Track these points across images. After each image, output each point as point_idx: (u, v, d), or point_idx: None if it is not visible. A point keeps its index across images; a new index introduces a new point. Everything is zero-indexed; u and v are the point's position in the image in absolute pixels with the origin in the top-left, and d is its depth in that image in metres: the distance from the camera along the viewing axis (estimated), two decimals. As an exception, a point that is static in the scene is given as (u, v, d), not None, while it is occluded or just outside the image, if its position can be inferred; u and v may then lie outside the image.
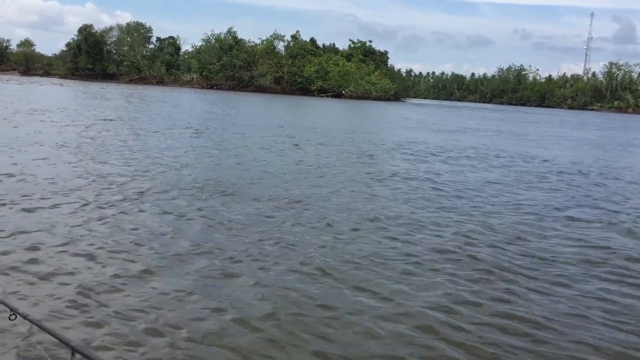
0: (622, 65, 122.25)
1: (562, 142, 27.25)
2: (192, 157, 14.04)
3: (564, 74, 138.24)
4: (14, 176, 9.89)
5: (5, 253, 5.90)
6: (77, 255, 6.04)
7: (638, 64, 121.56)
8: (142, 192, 9.35)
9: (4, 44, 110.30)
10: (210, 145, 16.78)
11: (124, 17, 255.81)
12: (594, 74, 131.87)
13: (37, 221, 7.20)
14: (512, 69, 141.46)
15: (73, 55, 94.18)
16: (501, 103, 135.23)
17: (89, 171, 11.00)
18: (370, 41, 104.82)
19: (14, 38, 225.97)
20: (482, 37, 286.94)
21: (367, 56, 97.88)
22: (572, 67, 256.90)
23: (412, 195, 10.52)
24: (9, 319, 2.50)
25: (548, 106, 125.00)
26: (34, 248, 6.16)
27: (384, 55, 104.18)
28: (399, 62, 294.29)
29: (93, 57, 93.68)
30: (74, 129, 18.48)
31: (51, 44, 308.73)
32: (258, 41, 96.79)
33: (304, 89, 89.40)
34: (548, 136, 31.23)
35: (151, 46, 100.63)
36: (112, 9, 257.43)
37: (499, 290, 5.71)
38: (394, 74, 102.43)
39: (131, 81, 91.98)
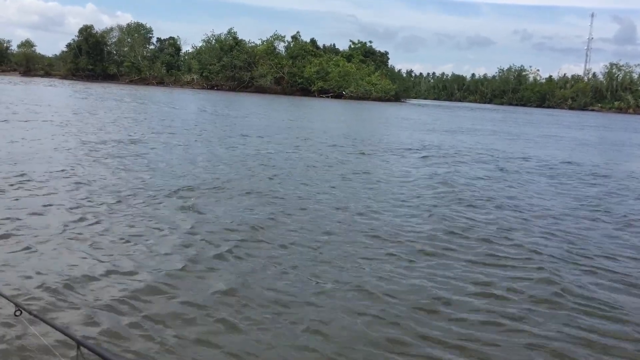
0: (623, 65, 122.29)
1: (555, 142, 27.37)
2: (192, 161, 14.08)
3: (565, 74, 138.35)
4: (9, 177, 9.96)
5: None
6: (72, 251, 6.11)
7: (638, 65, 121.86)
8: (134, 194, 9.41)
9: (5, 44, 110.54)
10: (215, 149, 16.83)
11: (125, 18, 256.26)
12: (594, 75, 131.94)
13: (32, 219, 7.29)
14: (513, 70, 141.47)
15: (73, 56, 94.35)
16: (501, 103, 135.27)
17: (86, 173, 11.05)
18: (370, 42, 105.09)
19: (15, 39, 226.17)
20: (483, 37, 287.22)
21: (367, 57, 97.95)
22: (573, 68, 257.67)
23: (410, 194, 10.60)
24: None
25: (548, 107, 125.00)
26: (28, 245, 6.23)
27: (384, 56, 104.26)
28: (399, 63, 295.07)
29: (93, 58, 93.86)
30: (69, 131, 18.52)
31: (52, 45, 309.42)
32: (258, 42, 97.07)
33: (304, 90, 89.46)
34: (542, 136, 31.34)
35: (152, 47, 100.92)
36: (113, 10, 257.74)
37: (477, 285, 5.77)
38: (394, 75, 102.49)
39: (131, 82, 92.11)
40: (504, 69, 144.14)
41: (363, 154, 17.18)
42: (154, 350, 4.19)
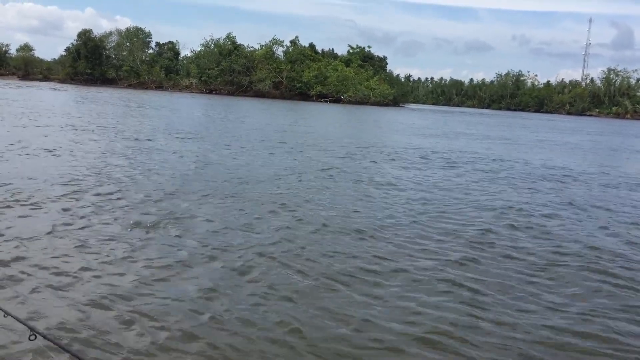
0: (620, 71, 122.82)
1: (544, 146, 27.54)
2: (193, 165, 14.07)
3: (562, 79, 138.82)
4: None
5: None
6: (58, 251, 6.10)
7: (636, 70, 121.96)
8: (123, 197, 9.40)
9: (3, 48, 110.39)
10: (214, 155, 16.83)
11: (124, 22, 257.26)
12: (592, 80, 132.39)
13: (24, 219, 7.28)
14: (511, 75, 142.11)
15: (72, 60, 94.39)
16: (500, 108, 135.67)
17: (82, 176, 11.03)
18: (369, 46, 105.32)
19: (13, 42, 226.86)
20: (481, 42, 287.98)
21: (366, 61, 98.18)
22: (571, 73, 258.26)
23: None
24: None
25: (546, 112, 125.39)
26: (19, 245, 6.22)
27: (382, 61, 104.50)
28: (397, 68, 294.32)
29: (92, 62, 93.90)
30: (66, 134, 18.50)
31: (50, 49, 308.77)
32: (257, 46, 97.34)
33: (302, 94, 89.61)
34: (534, 141, 31.49)
35: (150, 51, 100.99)
36: (112, 14, 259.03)
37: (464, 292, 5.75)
38: (392, 79, 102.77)
39: (130, 86, 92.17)
40: (502, 74, 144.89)
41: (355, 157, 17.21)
42: (149, 348, 4.24)
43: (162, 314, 4.84)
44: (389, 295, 5.55)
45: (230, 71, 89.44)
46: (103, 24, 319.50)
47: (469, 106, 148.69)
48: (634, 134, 48.86)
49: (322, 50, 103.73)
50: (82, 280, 5.48)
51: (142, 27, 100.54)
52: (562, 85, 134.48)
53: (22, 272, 5.55)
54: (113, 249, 6.49)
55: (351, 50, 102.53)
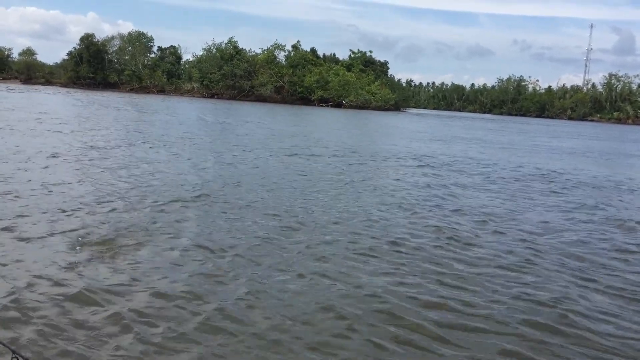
0: (622, 76, 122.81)
1: (539, 151, 27.65)
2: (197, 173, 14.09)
3: (564, 84, 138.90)
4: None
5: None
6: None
7: (637, 76, 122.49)
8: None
9: (6, 52, 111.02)
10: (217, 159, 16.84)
11: (126, 27, 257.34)
12: (593, 85, 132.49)
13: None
14: (512, 80, 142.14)
15: (74, 64, 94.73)
16: (501, 113, 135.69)
17: (81, 178, 11.06)
18: (370, 51, 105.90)
19: (16, 47, 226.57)
20: (482, 47, 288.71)
21: (367, 66, 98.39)
22: (572, 78, 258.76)
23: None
24: None
25: (548, 117, 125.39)
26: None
27: (384, 66, 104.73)
28: (399, 72, 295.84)
29: (94, 66, 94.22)
30: (66, 138, 18.55)
31: (53, 53, 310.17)
32: (259, 51, 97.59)
33: (304, 99, 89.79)
34: (531, 145, 31.58)
35: (152, 55, 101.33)
36: (114, 19, 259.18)
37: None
38: (394, 84, 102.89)
39: (132, 90, 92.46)
40: (503, 79, 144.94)
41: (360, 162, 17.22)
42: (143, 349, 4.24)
43: (154, 312, 4.87)
44: (372, 290, 5.56)
45: (232, 75, 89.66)
46: (105, 29, 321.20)
47: (470, 111, 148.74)
48: (632, 139, 48.86)
49: (324, 54, 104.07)
50: (74, 283, 5.49)
51: (145, 31, 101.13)
52: (563, 90, 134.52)
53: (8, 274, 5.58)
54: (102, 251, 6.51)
55: (352, 55, 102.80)
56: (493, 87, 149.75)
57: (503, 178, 15.91)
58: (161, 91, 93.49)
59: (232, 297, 5.46)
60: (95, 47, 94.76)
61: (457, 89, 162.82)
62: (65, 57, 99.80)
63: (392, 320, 5.17)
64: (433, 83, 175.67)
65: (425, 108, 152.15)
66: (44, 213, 8.15)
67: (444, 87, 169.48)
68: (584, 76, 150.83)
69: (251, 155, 17.46)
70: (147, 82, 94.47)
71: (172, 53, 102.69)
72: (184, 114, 39.86)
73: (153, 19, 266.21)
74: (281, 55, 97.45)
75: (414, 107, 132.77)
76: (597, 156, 27.01)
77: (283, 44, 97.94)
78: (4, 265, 5.92)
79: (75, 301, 5.13)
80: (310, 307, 5.33)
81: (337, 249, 7.35)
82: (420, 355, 4.57)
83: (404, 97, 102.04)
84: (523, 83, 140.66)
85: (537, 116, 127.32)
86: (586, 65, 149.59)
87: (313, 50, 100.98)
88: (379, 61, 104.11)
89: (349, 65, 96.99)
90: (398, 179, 14.30)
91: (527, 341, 4.90)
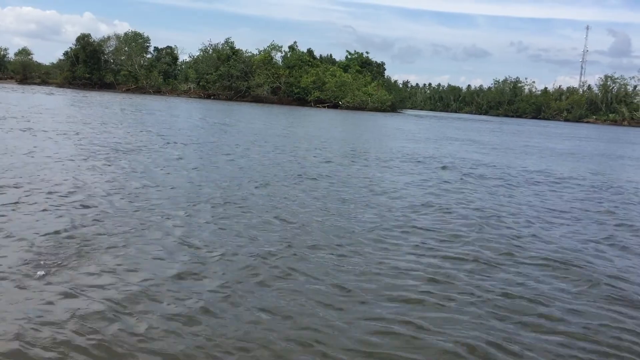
0: (618, 78, 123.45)
1: (526, 152, 27.78)
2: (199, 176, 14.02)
3: (560, 86, 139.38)
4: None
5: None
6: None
7: (633, 77, 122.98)
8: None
9: (2, 52, 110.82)
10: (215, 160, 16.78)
11: (122, 27, 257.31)
12: (589, 87, 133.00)
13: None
14: (508, 81, 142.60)
15: (70, 64, 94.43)
16: (497, 115, 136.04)
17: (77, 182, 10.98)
18: (367, 52, 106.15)
19: (12, 47, 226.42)
20: (479, 49, 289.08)
21: (364, 67, 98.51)
22: (568, 80, 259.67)
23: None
24: None
25: (544, 118, 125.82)
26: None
27: (380, 67, 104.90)
28: (395, 74, 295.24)
29: (90, 66, 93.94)
30: (59, 139, 18.45)
31: (49, 53, 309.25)
32: (255, 51, 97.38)
33: (300, 100, 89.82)
34: (521, 146, 31.72)
35: (149, 56, 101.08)
36: (110, 19, 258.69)
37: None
38: (390, 85, 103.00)
39: (128, 90, 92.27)
40: (500, 81, 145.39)
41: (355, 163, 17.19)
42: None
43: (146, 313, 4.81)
44: (362, 294, 5.53)
45: (228, 76, 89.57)
46: (102, 29, 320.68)
47: (466, 112, 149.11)
48: (624, 140, 49.07)
49: (321, 55, 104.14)
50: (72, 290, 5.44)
51: (141, 31, 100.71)
52: (559, 92, 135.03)
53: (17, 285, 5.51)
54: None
55: (349, 56, 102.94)
56: (489, 88, 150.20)
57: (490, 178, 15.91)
58: (157, 91, 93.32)
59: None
60: (92, 47, 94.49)
61: (454, 90, 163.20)
62: (62, 57, 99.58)
63: (373, 315, 5.14)
64: (430, 84, 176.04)
65: (421, 109, 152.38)
66: (27, 214, 8.08)
67: (441, 88, 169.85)
68: (580, 78, 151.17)
69: (242, 154, 17.40)
70: (143, 83, 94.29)
71: (169, 53, 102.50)
72: (180, 114, 39.76)
73: (149, 19, 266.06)
74: (278, 56, 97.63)
75: (411, 109, 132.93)
76: (588, 157, 27.11)
77: (280, 45, 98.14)
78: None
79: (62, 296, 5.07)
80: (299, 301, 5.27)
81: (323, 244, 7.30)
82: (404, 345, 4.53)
83: (400, 99, 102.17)
84: (519, 84, 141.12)
85: (533, 118, 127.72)
86: (582, 67, 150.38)
87: (310, 51, 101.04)
88: (376, 62, 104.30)
89: (345, 67, 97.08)
90: (390, 176, 14.28)
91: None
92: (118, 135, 20.83)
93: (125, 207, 8.87)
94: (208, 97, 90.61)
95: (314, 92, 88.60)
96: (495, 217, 10.02)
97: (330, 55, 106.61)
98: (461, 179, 15.37)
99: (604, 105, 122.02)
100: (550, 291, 6.20)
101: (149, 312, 5.00)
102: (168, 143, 19.33)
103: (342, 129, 38.40)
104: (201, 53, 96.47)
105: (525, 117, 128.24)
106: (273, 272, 6.29)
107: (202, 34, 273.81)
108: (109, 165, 13.20)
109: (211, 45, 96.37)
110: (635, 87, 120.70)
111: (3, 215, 7.81)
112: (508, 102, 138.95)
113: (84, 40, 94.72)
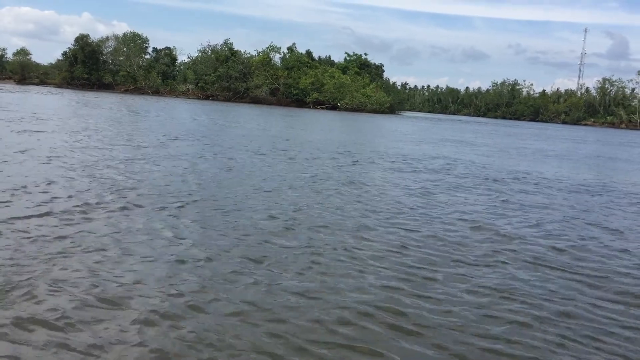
0: (616, 81, 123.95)
1: (518, 153, 28.02)
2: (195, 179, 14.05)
3: (558, 89, 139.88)
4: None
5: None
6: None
7: (631, 80, 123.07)
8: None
9: (0, 52, 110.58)
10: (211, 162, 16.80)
11: (121, 27, 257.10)
12: (587, 89, 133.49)
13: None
14: (507, 83, 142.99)
15: (69, 64, 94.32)
16: (495, 117, 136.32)
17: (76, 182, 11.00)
18: (365, 54, 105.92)
19: (10, 47, 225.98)
20: (477, 51, 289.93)
21: (362, 69, 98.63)
22: (566, 82, 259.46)
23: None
24: None
25: (542, 121, 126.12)
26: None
27: (379, 68, 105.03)
28: (394, 75, 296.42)
29: (89, 67, 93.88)
30: (57, 138, 18.46)
31: (47, 53, 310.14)
32: (254, 52, 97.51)
33: (299, 101, 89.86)
34: (514, 148, 31.90)
35: (147, 56, 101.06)
36: (109, 19, 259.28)
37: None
38: (389, 87, 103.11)
39: (127, 91, 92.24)
40: (498, 83, 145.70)
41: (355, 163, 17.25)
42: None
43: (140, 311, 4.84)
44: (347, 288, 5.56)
45: (227, 77, 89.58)
46: (100, 29, 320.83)
47: (465, 114, 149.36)
48: (617, 142, 49.20)
49: (319, 57, 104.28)
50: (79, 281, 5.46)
51: (140, 32, 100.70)
52: (557, 94, 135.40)
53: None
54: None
55: (348, 58, 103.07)
56: (488, 90, 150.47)
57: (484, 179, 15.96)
58: (156, 92, 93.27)
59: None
60: (90, 47, 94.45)
61: (452, 92, 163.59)
62: (60, 58, 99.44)
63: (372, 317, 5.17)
64: (428, 86, 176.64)
65: (420, 111, 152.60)
66: (19, 218, 8.09)
67: (439, 90, 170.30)
68: (578, 80, 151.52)
69: (245, 156, 17.43)
70: (141, 83, 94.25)
71: (167, 54, 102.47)
72: (178, 115, 39.78)
73: (148, 20, 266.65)
74: (276, 57, 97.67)
75: (409, 110, 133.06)
76: (582, 160, 27.23)
77: (278, 46, 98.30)
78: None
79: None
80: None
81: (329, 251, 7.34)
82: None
83: (399, 100, 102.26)
84: (517, 87, 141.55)
85: (531, 120, 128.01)
86: (580, 70, 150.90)
87: (308, 53, 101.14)
88: (374, 64, 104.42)
89: (344, 68, 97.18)
90: (384, 179, 14.33)
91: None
92: (113, 137, 20.85)
93: (113, 207, 8.90)
94: (206, 98, 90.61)
95: (312, 94, 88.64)
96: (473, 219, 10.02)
97: (329, 56, 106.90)
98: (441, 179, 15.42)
99: (601, 107, 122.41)
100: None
101: (136, 310, 5.02)
102: (163, 143, 19.35)
103: (341, 131, 38.40)
104: (200, 54, 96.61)
105: (523, 120, 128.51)
106: (259, 272, 6.32)
107: (201, 34, 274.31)
108: (100, 167, 13.21)
109: (210, 46, 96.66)
110: (633, 89, 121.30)
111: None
112: (506, 104, 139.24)
113: (82, 40, 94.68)
